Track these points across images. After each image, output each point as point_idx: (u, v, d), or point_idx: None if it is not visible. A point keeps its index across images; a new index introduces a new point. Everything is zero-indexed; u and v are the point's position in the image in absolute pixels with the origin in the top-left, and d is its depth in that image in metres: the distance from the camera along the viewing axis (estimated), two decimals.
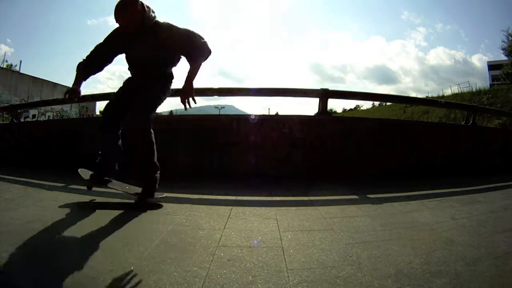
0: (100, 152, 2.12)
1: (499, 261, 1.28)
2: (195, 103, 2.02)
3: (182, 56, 2.10)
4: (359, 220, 1.86)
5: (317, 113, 3.57)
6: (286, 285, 1.10)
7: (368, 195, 2.53)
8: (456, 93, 21.76)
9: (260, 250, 1.41)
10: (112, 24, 2.00)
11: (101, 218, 1.84)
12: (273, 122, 3.46)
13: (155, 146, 1.99)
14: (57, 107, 23.63)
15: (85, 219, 1.81)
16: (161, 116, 5.01)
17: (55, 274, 1.14)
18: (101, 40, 2.10)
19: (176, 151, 3.44)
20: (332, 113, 5.90)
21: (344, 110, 53.32)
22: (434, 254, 1.36)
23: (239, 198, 2.42)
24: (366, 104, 43.39)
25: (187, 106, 1.99)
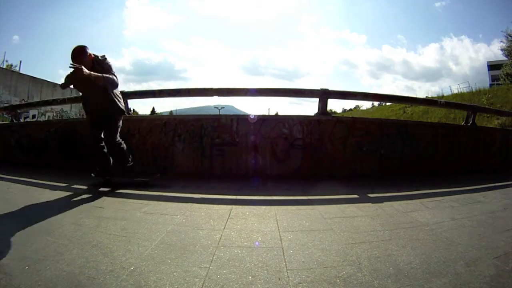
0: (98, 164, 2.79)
1: (499, 261, 1.28)
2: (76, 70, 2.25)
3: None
4: (359, 220, 1.86)
5: (317, 113, 3.57)
6: (286, 285, 1.10)
7: (368, 195, 2.53)
8: (456, 93, 21.72)
9: (260, 250, 1.41)
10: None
11: (102, 218, 1.84)
12: (273, 122, 3.46)
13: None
14: (57, 107, 23.59)
15: (86, 219, 1.81)
16: (161, 117, 5.01)
17: (55, 274, 1.14)
18: None
19: (176, 151, 3.45)
20: (332, 113, 5.90)
21: (344, 110, 53.35)
22: (434, 254, 1.36)
23: (239, 198, 2.42)
24: (366, 104, 43.36)
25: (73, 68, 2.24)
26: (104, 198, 2.34)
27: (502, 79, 25.86)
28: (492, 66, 35.59)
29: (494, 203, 2.34)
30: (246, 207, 2.15)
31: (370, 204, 2.28)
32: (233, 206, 2.15)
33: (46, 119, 19.16)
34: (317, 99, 3.58)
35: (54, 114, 24.10)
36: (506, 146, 4.53)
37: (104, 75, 2.43)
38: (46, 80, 25.44)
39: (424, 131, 3.88)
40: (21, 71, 25.55)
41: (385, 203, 2.27)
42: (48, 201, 2.24)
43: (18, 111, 5.60)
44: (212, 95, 3.76)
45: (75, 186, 2.78)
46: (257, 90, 3.76)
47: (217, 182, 3.05)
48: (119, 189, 2.59)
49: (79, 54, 2.37)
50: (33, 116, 20.89)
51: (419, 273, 1.18)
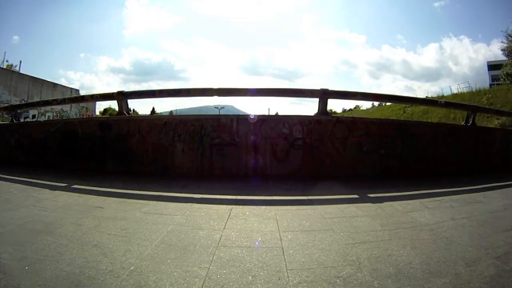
0: None
1: (499, 261, 1.28)
2: None
3: None
4: (359, 220, 1.86)
5: (317, 113, 3.56)
6: (286, 285, 1.10)
7: (368, 195, 2.53)
8: (456, 93, 21.73)
9: (260, 250, 1.41)
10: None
11: (102, 218, 1.84)
12: (273, 122, 3.46)
13: None
14: (57, 107, 23.60)
15: (86, 219, 1.81)
16: (161, 117, 5.02)
17: (55, 274, 1.14)
18: None
19: (176, 151, 3.44)
20: (332, 113, 5.90)
21: (344, 110, 53.41)
22: (434, 254, 1.36)
23: (239, 198, 2.42)
24: (366, 104, 43.39)
25: None
26: (104, 198, 2.34)
27: (502, 79, 25.84)
28: (492, 66, 35.58)
29: (494, 203, 2.34)
30: (246, 207, 2.15)
31: (370, 204, 2.28)
32: (233, 206, 2.15)
33: (46, 119, 19.16)
34: (317, 99, 3.57)
35: (54, 114, 24.09)
36: (506, 146, 4.52)
37: None
38: (46, 80, 25.41)
39: (424, 131, 3.88)
40: (21, 71, 25.52)
41: (385, 203, 2.27)
42: (48, 201, 2.24)
43: (18, 111, 5.60)
44: (212, 95, 3.76)
45: (75, 186, 2.78)
46: (257, 90, 3.76)
47: (217, 182, 3.05)
48: None
49: None
50: (33, 116, 20.88)
51: (419, 273, 1.18)
